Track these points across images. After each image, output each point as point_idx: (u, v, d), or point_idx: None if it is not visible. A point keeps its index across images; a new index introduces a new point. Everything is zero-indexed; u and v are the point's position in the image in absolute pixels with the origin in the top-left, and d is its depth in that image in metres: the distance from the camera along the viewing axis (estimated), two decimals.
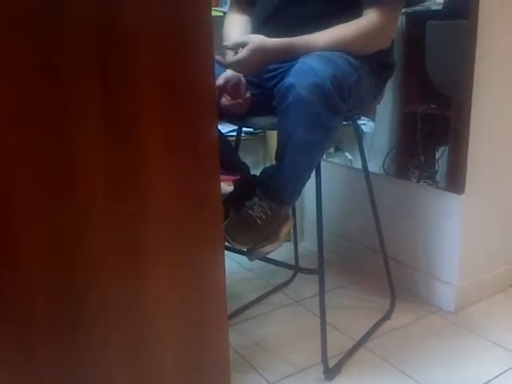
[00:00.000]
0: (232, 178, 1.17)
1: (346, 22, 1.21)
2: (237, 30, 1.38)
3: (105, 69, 0.82)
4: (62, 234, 0.83)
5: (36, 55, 0.76)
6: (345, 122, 1.33)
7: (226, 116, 1.28)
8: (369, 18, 1.21)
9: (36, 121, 0.78)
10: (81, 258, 0.86)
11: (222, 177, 1.05)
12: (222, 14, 1.98)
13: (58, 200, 0.82)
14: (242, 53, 1.17)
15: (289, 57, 1.18)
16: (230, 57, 1.21)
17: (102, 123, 0.83)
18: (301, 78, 1.10)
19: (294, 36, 1.20)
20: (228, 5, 1.80)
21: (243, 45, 1.18)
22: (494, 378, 1.29)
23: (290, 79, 1.11)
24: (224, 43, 1.24)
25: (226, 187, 1.14)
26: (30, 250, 0.81)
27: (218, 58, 1.18)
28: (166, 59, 0.88)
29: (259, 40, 1.18)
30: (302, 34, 1.20)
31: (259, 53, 1.17)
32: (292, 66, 1.14)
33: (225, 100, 1.26)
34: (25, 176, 0.78)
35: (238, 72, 1.25)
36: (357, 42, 1.21)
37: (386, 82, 1.40)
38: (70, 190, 0.83)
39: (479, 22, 1.39)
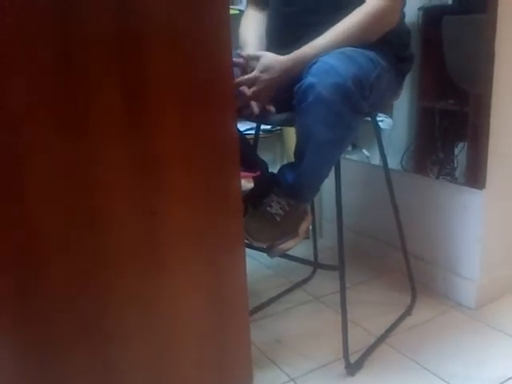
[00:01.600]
0: (252, 174, 1.17)
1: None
2: (252, 30, 1.39)
3: (123, 68, 0.83)
4: (81, 231, 0.84)
5: (58, 60, 0.77)
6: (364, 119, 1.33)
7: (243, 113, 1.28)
8: (371, 2, 1.20)
9: (58, 119, 0.79)
10: (102, 255, 0.87)
11: (242, 173, 1.05)
12: (237, 11, 1.98)
13: (78, 198, 0.83)
14: (255, 71, 1.20)
15: (299, 69, 1.17)
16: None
17: (122, 122, 0.84)
18: (322, 77, 1.09)
19: (305, 32, 1.20)
20: (244, 2, 1.81)
21: (256, 59, 1.21)
22: None
23: (310, 79, 1.10)
24: (238, 51, 1.24)
25: (246, 184, 1.14)
26: (51, 244, 0.82)
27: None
28: (185, 58, 0.89)
29: (271, 56, 1.20)
30: (313, 29, 1.20)
31: (272, 70, 1.19)
32: (313, 63, 1.14)
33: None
34: (45, 173, 0.80)
35: (257, 99, 1.23)
36: (365, 30, 1.21)
37: (405, 76, 1.40)
38: (90, 188, 0.84)
39: (498, 16, 1.38)
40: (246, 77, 1.21)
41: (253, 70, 1.21)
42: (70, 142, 0.80)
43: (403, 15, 1.35)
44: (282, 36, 1.32)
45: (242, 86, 1.21)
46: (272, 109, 1.24)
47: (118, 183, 0.86)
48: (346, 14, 1.20)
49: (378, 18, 1.21)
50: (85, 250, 0.85)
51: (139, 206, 0.89)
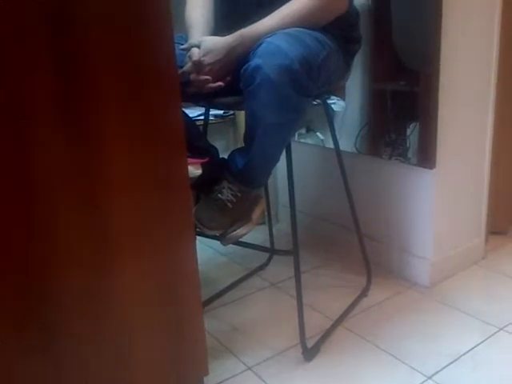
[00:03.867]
0: (200, 160, 1.14)
1: None
2: (198, 11, 1.34)
3: (57, 54, 0.78)
4: (24, 226, 0.80)
5: None
6: (315, 102, 1.31)
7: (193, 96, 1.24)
8: None
9: None
10: (47, 250, 0.83)
11: (190, 160, 1.02)
12: None
13: (17, 192, 0.78)
14: (197, 56, 1.17)
15: (243, 48, 1.15)
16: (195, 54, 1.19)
17: (58, 112, 0.80)
18: (268, 58, 1.06)
19: (253, 12, 1.17)
20: None
21: (197, 46, 1.19)
22: (470, 350, 1.30)
23: (257, 60, 1.07)
24: (181, 47, 1.21)
25: (194, 170, 1.11)
26: None
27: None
28: (123, 40, 0.84)
29: (212, 39, 1.19)
30: (262, 10, 1.17)
31: (215, 51, 1.16)
32: (258, 44, 1.10)
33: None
34: None
35: (202, 84, 1.19)
36: (312, 14, 1.18)
37: (353, 57, 1.38)
38: (30, 182, 0.79)
39: None
40: (188, 64, 1.18)
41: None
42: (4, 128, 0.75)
43: None
44: (230, 16, 1.28)
45: (188, 74, 1.17)
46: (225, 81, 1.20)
47: (58, 177, 0.82)
48: None
49: (326, 2, 1.19)
50: (27, 247, 0.80)
51: (82, 198, 0.85)
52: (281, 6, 1.18)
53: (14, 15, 0.73)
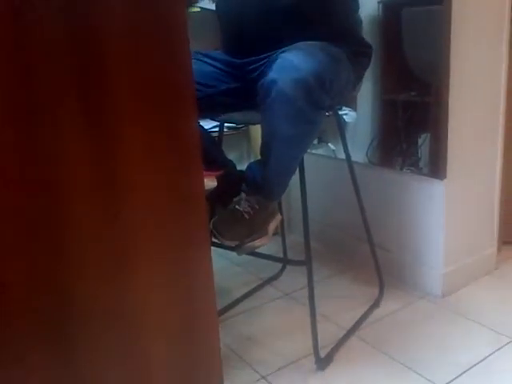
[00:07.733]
0: (215, 173, 1.16)
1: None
2: None
3: (80, 67, 0.81)
4: (42, 238, 0.82)
5: (8, 54, 0.75)
6: (327, 113, 1.33)
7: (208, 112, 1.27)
8: None
9: (10, 120, 0.76)
10: (63, 261, 0.85)
11: (205, 172, 1.04)
12: (198, 9, 1.96)
13: (36, 202, 0.80)
14: None
15: None
16: None
17: (79, 124, 0.82)
18: (283, 73, 1.10)
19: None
20: None
21: None
22: (483, 359, 1.31)
23: (272, 75, 1.11)
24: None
25: (209, 183, 1.14)
26: (9, 255, 0.80)
27: None
28: (143, 56, 0.87)
29: None
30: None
31: None
32: (273, 60, 1.14)
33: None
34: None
35: None
36: None
37: (364, 70, 1.41)
38: (50, 192, 0.82)
39: (453, 6, 1.40)
40: None
41: None
42: (23, 141, 0.78)
43: (357, 7, 1.35)
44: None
45: None
46: None
47: (78, 186, 0.84)
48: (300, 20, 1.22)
49: None
50: (43, 251, 0.83)
51: (99, 207, 0.87)
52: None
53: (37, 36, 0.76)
